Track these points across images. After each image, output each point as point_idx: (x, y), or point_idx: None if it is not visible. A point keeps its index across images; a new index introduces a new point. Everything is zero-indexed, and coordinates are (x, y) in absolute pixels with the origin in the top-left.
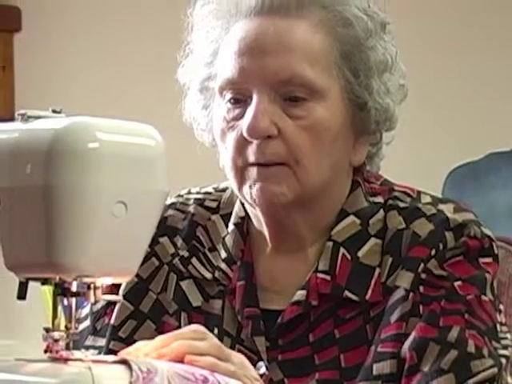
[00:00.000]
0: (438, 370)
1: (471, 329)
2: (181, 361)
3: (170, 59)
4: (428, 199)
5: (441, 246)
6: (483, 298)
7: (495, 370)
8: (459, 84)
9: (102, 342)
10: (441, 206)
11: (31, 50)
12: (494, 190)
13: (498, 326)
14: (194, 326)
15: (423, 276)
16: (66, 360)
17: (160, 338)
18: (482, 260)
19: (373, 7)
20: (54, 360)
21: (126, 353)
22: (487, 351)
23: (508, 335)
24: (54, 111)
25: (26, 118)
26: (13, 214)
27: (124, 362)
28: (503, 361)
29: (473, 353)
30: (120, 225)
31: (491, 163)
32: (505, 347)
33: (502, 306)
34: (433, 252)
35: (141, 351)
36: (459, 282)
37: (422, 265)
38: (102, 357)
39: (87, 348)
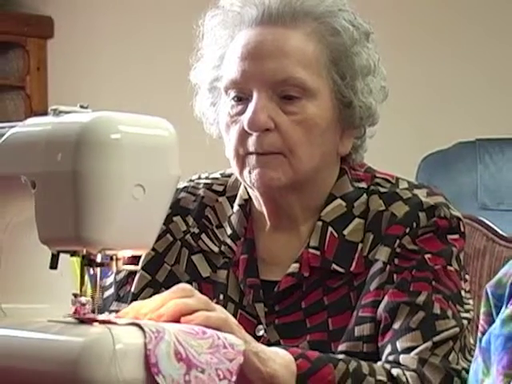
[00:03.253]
0: (407, 328)
1: (437, 294)
2: (177, 319)
3: (183, 63)
4: (405, 185)
5: (414, 225)
6: (449, 268)
7: (457, 329)
8: (431, 84)
9: (124, 306)
10: (416, 191)
11: (62, 54)
12: (461, 175)
13: (463, 292)
14: (181, 285)
15: (398, 250)
16: (89, 321)
17: (155, 299)
18: (450, 237)
19: (358, 19)
20: (81, 321)
21: (124, 313)
22: (451, 313)
23: (471, 301)
24: (81, 107)
25: (57, 113)
26: (46, 196)
27: (134, 324)
28: (465, 322)
29: (438, 314)
30: (138, 205)
31: (458, 151)
32: (467, 311)
33: (467, 276)
34: (407, 230)
35: (137, 311)
36: (429, 255)
37: (397, 241)
38: (114, 320)
39: (111, 312)
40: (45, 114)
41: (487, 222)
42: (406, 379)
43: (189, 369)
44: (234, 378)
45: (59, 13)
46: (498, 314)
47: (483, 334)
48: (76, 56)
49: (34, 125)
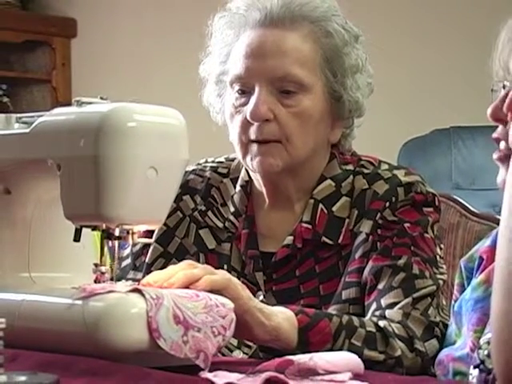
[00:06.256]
0: (390, 287)
1: (416, 257)
2: (186, 286)
3: (193, 58)
4: (386, 166)
5: (393, 199)
6: (426, 235)
7: (434, 287)
8: (411, 78)
9: (140, 275)
10: (395, 172)
11: (84, 52)
12: (437, 159)
13: (438, 257)
14: (185, 261)
15: (380, 222)
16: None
17: (165, 271)
18: (425, 209)
19: (349, 23)
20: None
21: (145, 282)
22: (428, 274)
23: (444, 266)
24: (101, 98)
25: (80, 104)
26: (70, 177)
27: (136, 290)
28: (440, 282)
29: (417, 274)
30: (151, 185)
31: (435, 138)
32: (442, 273)
33: (442, 246)
34: (387, 204)
35: (154, 280)
36: (407, 224)
37: (379, 214)
38: (119, 288)
39: (128, 280)
40: (69, 104)
41: (460, 199)
42: (392, 329)
43: (186, 330)
44: (227, 333)
45: (82, 15)
46: (468, 284)
47: (456, 302)
48: (97, 53)
49: (59, 114)
